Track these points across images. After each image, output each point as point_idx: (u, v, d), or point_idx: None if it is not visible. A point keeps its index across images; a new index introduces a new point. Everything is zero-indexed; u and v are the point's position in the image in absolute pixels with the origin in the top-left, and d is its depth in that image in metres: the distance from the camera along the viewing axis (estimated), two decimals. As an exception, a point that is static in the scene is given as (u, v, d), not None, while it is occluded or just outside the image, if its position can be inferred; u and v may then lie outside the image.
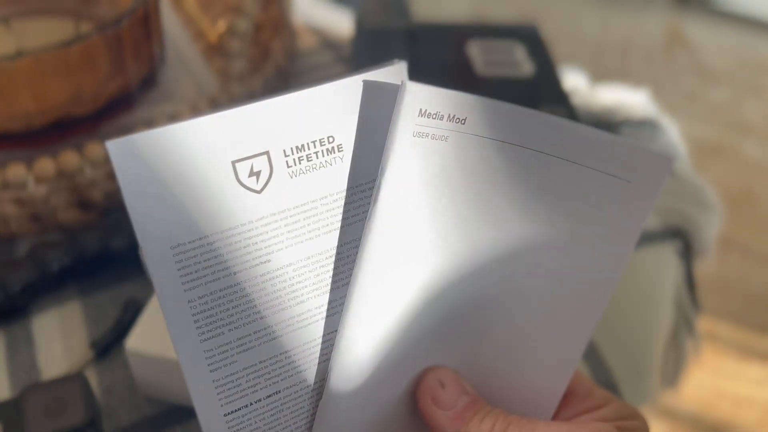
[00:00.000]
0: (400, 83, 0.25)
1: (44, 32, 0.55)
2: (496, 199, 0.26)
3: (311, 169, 0.25)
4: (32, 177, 0.45)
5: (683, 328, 0.55)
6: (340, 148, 0.25)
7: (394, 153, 0.25)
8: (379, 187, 0.25)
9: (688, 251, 0.55)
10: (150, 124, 0.50)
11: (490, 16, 1.74)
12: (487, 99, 0.25)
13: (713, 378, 1.17)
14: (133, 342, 0.37)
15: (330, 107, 0.25)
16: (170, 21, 0.60)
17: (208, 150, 0.23)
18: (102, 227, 0.47)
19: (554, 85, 0.57)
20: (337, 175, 0.25)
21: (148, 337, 0.37)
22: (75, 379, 0.37)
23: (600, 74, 0.76)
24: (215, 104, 0.52)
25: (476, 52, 0.59)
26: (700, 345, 0.57)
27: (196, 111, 0.51)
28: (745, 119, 1.65)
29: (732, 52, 1.81)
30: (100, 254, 0.46)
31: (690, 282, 0.55)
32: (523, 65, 0.58)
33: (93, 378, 0.41)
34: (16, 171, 0.45)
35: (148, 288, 0.45)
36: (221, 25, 0.63)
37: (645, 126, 0.63)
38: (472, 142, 0.25)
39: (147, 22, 0.49)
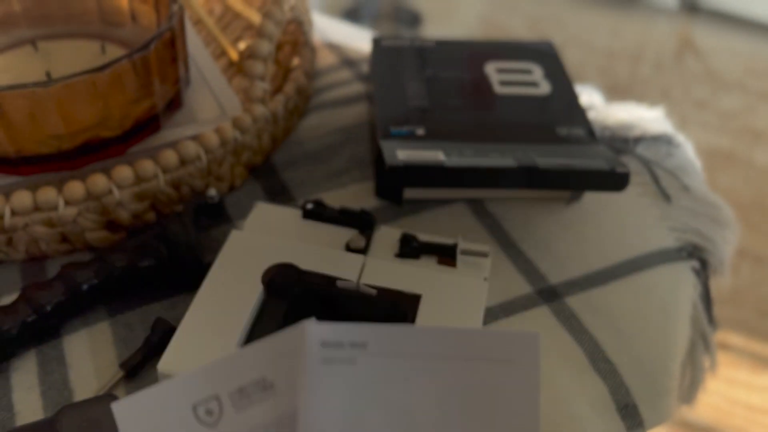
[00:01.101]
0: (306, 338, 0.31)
1: (71, 55, 0.56)
2: (408, 409, 0.31)
3: (251, 405, 0.31)
4: (62, 199, 0.47)
5: (700, 345, 0.55)
6: (272, 385, 0.31)
7: (306, 378, 0.30)
8: (298, 412, 0.30)
9: (704, 268, 0.56)
10: (175, 145, 0.51)
11: (501, 25, 1.74)
12: (381, 326, 0.31)
13: (726, 388, 1.17)
14: (165, 364, 0.38)
15: (267, 356, 0.31)
16: (192, 40, 0.61)
17: (176, 399, 0.31)
18: (129, 247, 0.48)
19: (572, 103, 0.57)
20: (272, 407, 0.31)
21: (181, 359, 0.38)
22: (107, 399, 0.38)
23: (610, 82, 0.76)
24: (238, 125, 0.53)
25: (493, 70, 0.60)
26: (716, 360, 0.58)
27: (219, 133, 0.52)
28: (757, 126, 1.65)
29: (743, 59, 1.80)
30: (127, 274, 0.47)
31: (707, 299, 0.56)
32: (541, 84, 0.59)
33: (123, 398, 0.41)
34: (47, 194, 0.46)
35: (176, 308, 0.46)
36: (242, 46, 0.64)
37: (661, 141, 0.63)
38: (377, 361, 0.31)
39: (173, 45, 0.50)
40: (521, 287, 0.50)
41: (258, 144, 0.57)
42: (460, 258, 0.46)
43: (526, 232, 0.54)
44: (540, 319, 0.48)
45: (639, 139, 0.62)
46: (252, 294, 0.42)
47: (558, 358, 0.46)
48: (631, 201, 0.57)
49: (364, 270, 0.44)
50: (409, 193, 0.55)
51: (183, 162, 0.51)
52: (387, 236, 0.47)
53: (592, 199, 0.57)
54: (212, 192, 0.49)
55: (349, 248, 0.46)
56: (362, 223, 0.48)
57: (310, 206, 0.48)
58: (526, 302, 0.49)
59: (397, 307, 0.43)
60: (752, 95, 1.73)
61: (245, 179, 0.56)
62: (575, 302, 0.49)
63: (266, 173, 0.57)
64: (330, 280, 0.43)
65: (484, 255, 0.46)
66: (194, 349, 0.39)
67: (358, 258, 0.45)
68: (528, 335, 0.31)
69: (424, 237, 0.47)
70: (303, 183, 0.56)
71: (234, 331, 0.40)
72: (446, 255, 0.46)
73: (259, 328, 0.41)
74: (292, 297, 0.43)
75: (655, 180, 0.59)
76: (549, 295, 0.50)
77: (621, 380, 0.45)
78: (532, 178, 0.48)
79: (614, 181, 0.48)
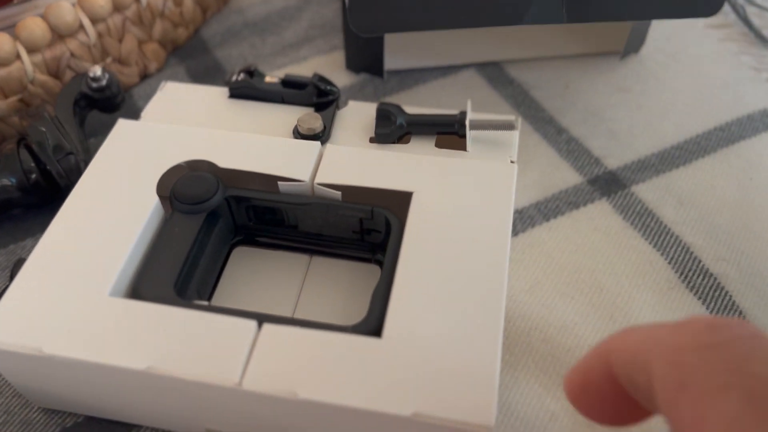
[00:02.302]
0: None
1: None
2: None
3: None
4: None
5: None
6: None
7: None
8: None
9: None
10: (44, 12, 0.35)
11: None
12: None
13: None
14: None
15: None
16: None
17: None
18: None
19: None
20: None
21: (17, 321, 0.23)
22: None
23: None
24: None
25: None
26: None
27: (108, -12, 0.36)
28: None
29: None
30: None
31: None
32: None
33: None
34: None
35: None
36: None
37: None
38: None
39: None
40: (566, 177, 0.34)
41: (178, 13, 0.40)
42: (471, 135, 0.30)
43: (566, 101, 0.38)
44: (599, 220, 0.32)
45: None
46: (142, 210, 0.26)
47: (633, 275, 0.30)
48: (712, 48, 0.40)
49: (321, 163, 0.28)
50: (394, 60, 0.39)
51: (59, 35, 0.35)
52: (356, 114, 0.31)
53: (655, 50, 0.40)
54: (96, 71, 0.33)
55: (299, 134, 0.30)
56: (318, 96, 0.31)
57: (239, 77, 0.32)
58: (576, 197, 0.33)
59: (376, 216, 0.27)
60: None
61: (164, 63, 0.40)
62: (647, 191, 0.33)
63: (194, 53, 0.41)
64: (268, 183, 0.28)
65: (508, 126, 0.29)
66: (40, 304, 0.23)
67: (312, 147, 0.29)
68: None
69: (411, 110, 0.31)
70: (246, 62, 0.40)
71: (107, 271, 0.24)
72: (447, 132, 0.30)
73: (153, 265, 0.25)
74: (208, 213, 0.27)
75: (744, 18, 0.42)
76: (608, 184, 0.34)
77: (731, 299, 0.30)
78: (572, 2, 0.31)
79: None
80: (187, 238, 0.26)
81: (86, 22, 0.35)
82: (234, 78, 0.32)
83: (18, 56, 0.34)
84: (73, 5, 0.35)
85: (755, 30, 0.41)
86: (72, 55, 0.35)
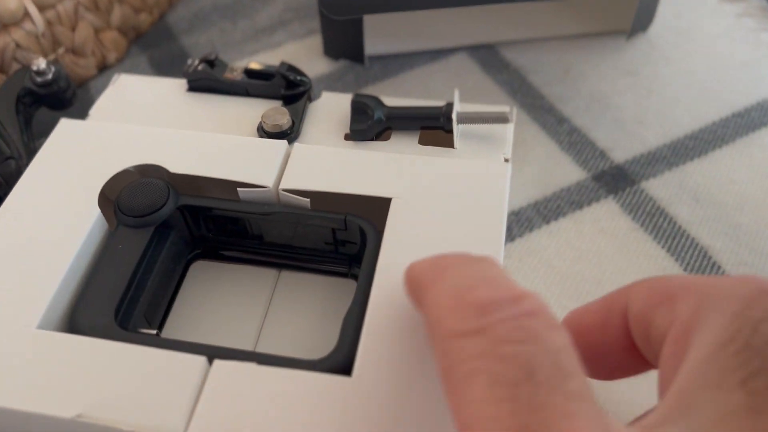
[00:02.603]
0: None
1: None
2: None
3: None
4: None
5: None
6: None
7: None
8: None
9: None
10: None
11: None
12: None
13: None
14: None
15: None
16: None
17: None
18: None
19: None
20: None
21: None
22: None
23: None
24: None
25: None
26: None
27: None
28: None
29: None
30: None
31: None
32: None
33: None
34: None
35: None
36: None
37: None
38: None
39: None
40: (568, 173, 0.30)
41: (139, -4, 0.37)
42: (459, 130, 0.26)
43: (567, 87, 0.34)
44: (605, 221, 0.29)
45: None
46: (80, 224, 0.23)
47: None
48: (728, 25, 0.37)
49: (288, 165, 0.25)
50: (375, 44, 0.35)
51: (2, 24, 0.31)
52: (331, 107, 0.27)
53: (665, 28, 0.37)
54: (41, 64, 0.29)
55: (264, 131, 0.26)
56: (287, 88, 0.28)
57: (198, 67, 0.28)
58: (579, 195, 0.30)
59: (350, 225, 0.24)
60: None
61: (124, 52, 0.37)
62: (658, 188, 0.30)
63: (158, 40, 0.37)
64: (228, 189, 0.24)
65: (500, 119, 0.26)
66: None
67: (277, 147, 0.25)
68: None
69: (392, 101, 0.27)
70: (215, 49, 0.36)
71: (37, 298, 0.21)
72: (432, 126, 0.26)
73: (92, 290, 0.22)
74: (158, 226, 0.24)
75: (761, -9, 0.38)
76: (615, 180, 0.30)
77: (755, 311, 0.26)
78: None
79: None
80: (133, 255, 0.22)
81: (32, 9, 0.32)
82: (192, 68, 0.28)
83: (-45, 48, 0.30)
84: (18, -10, 0.31)
85: (776, 4, 0.38)
86: (17, 46, 0.32)
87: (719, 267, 0.27)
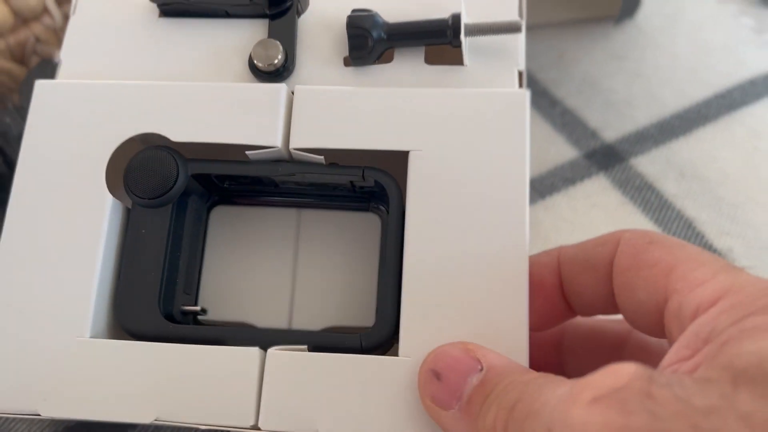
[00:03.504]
0: None
1: None
2: None
3: None
4: None
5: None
6: None
7: None
8: None
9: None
10: (4, -7, 0.33)
11: None
12: None
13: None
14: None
15: None
16: None
17: None
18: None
19: None
20: None
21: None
22: None
23: None
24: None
25: None
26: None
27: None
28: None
29: None
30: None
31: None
32: None
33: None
34: None
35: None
36: None
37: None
38: None
39: None
40: (562, 151, 0.32)
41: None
42: (467, 42, 0.23)
43: (560, 71, 0.36)
44: (597, 196, 0.31)
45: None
46: (97, 216, 0.22)
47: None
48: (711, 10, 0.39)
49: (293, 119, 0.23)
50: None
51: (23, 19, 0.33)
52: (321, 20, 0.24)
53: (651, 13, 0.39)
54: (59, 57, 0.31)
55: (257, 71, 0.24)
56: (271, 5, 0.24)
57: None
58: (572, 173, 0.32)
59: (368, 178, 0.23)
60: None
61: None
62: (647, 164, 0.32)
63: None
64: (235, 150, 0.23)
65: (513, 28, 0.23)
66: (19, 359, 0.21)
67: (276, 93, 0.23)
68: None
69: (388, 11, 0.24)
70: None
71: (80, 306, 0.21)
72: (438, 42, 0.24)
73: (130, 286, 0.22)
74: (174, 202, 0.23)
75: (742, -23, 0.40)
76: (605, 157, 0.32)
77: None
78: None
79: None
80: (159, 239, 0.22)
81: (51, 4, 0.33)
82: None
83: (-20, 43, 0.32)
84: (36, -14, 0.33)
85: (756, -11, 0.39)
86: (37, 39, 0.34)
87: (703, 236, 0.29)
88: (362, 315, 0.24)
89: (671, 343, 0.17)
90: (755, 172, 0.31)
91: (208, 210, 0.25)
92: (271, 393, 0.20)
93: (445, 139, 0.22)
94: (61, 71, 0.25)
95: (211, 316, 0.24)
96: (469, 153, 0.22)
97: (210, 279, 0.25)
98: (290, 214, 0.25)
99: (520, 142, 0.22)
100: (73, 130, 0.23)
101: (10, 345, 0.21)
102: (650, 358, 0.20)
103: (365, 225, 0.25)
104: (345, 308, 0.24)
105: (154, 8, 0.25)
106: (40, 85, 0.24)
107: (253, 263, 0.25)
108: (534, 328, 0.20)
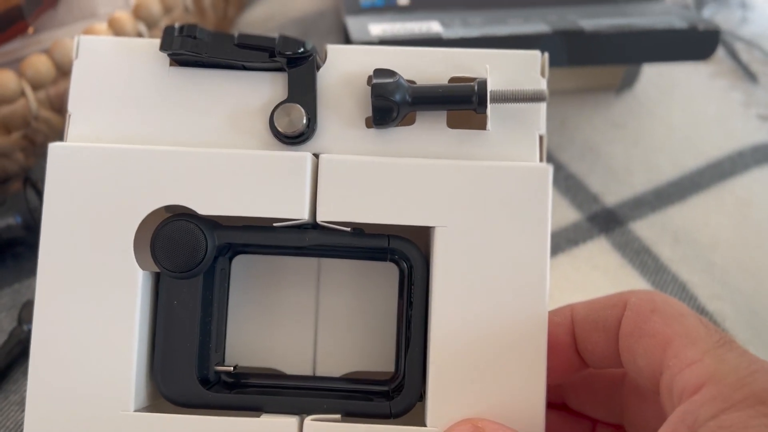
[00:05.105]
0: None
1: None
2: None
3: None
4: None
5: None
6: None
7: None
8: None
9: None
10: (48, 48, 0.35)
11: None
12: None
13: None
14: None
15: None
16: None
17: None
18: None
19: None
20: None
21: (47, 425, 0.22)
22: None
23: None
24: (141, 15, 0.37)
25: None
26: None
27: (113, 25, 0.36)
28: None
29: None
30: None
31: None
32: None
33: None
34: None
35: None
36: None
37: (732, 4, 0.47)
38: None
39: None
40: (566, 214, 0.35)
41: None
42: (492, 109, 0.24)
43: (563, 137, 0.38)
44: (598, 257, 0.33)
45: (702, 2, 0.46)
46: (129, 290, 0.23)
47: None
48: (703, 84, 0.42)
49: (319, 192, 0.23)
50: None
51: (63, 72, 0.35)
52: (341, 75, 0.24)
53: (649, 85, 0.41)
54: (103, 110, 0.33)
55: (279, 134, 0.23)
56: (289, 63, 0.24)
57: (181, 35, 0.23)
58: (575, 234, 0.34)
59: (392, 246, 0.24)
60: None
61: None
62: (644, 228, 0.34)
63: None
64: (261, 221, 0.23)
65: (538, 97, 0.24)
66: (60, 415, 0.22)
67: (300, 163, 0.23)
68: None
69: (407, 69, 0.24)
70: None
71: (121, 380, 0.22)
72: (463, 108, 0.24)
73: (168, 358, 0.23)
74: (203, 272, 0.23)
75: (732, 54, 0.43)
76: (606, 221, 0.34)
77: (726, 338, 0.31)
78: (574, 48, 0.32)
79: (696, 44, 0.32)
80: (191, 310, 0.23)
81: (90, 59, 0.35)
82: (174, 37, 0.23)
83: (22, 93, 0.34)
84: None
85: (743, 66, 0.43)
86: (76, 91, 0.36)
87: (696, 299, 0.31)
88: (382, 361, 0.26)
89: (664, 409, 0.19)
90: (743, 240, 0.34)
91: (230, 260, 0.25)
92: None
93: (470, 214, 0.23)
94: (71, 126, 0.24)
95: (240, 363, 0.26)
96: (493, 228, 0.23)
97: (235, 328, 0.26)
98: (311, 261, 0.26)
99: (543, 217, 0.22)
100: (95, 201, 0.23)
101: (57, 425, 0.22)
102: (645, 396, 0.23)
103: (384, 273, 0.26)
104: (366, 354, 0.26)
105: (162, 55, 0.24)
106: (54, 149, 0.23)
107: (275, 309, 0.26)
108: (551, 383, 0.22)
